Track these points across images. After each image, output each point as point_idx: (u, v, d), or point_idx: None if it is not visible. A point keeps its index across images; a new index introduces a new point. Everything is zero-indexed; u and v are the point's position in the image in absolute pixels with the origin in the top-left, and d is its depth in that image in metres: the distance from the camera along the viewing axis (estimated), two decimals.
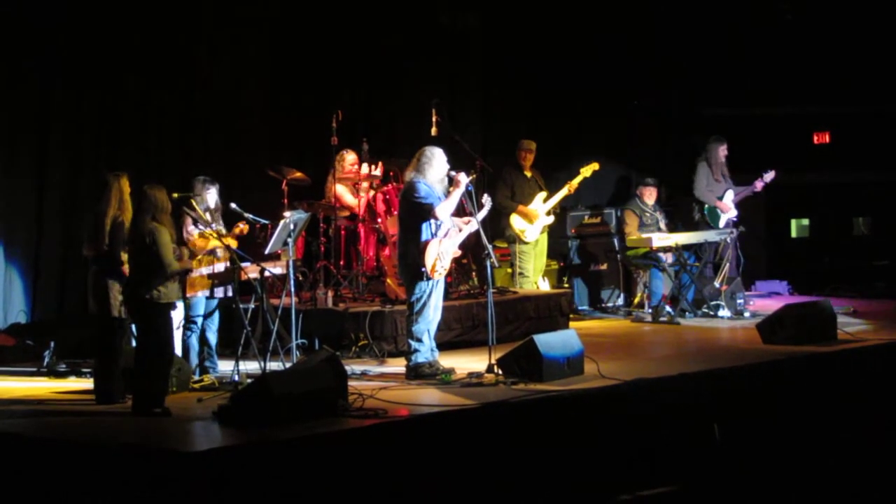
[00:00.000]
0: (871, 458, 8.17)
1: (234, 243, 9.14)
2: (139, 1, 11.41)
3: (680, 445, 7.97)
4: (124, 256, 8.24)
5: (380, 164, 11.46)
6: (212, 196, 9.31)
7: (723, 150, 13.07)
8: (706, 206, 13.08)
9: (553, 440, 7.69)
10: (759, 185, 13.00)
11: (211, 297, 9.10)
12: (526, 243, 12.42)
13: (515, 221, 12.40)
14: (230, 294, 9.08)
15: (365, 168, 11.34)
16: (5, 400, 8.48)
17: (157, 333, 7.93)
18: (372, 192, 11.39)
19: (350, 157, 11.50)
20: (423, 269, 8.95)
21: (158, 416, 7.68)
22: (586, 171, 12.54)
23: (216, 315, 9.29)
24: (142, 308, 7.95)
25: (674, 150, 14.60)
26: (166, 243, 7.91)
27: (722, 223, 12.98)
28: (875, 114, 15.29)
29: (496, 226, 12.57)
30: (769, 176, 12.91)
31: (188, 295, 8.87)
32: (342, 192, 11.40)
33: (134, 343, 8.35)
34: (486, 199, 9.46)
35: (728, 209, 13.03)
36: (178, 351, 8.81)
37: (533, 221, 12.39)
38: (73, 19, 11.04)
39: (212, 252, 9.07)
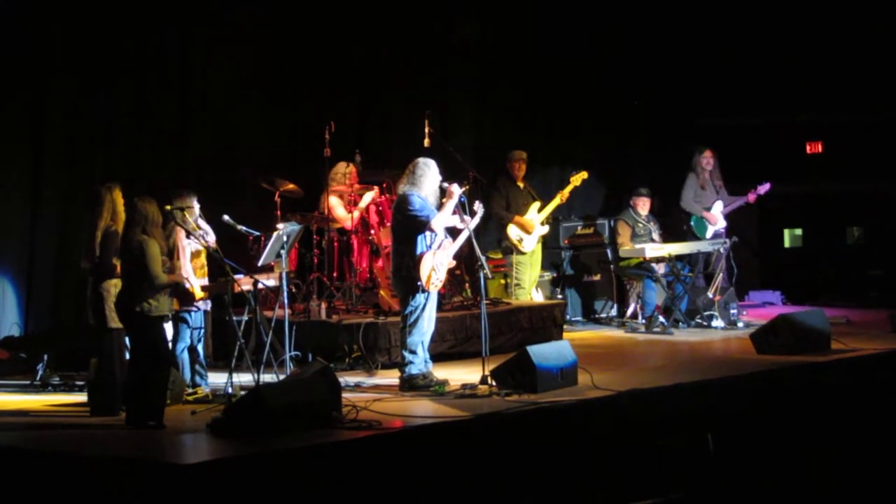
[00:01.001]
0: (865, 466, 8.16)
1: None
2: (135, 13, 11.40)
3: (674, 456, 7.96)
4: (117, 262, 8.24)
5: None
6: (195, 208, 9.26)
7: (706, 160, 13.03)
8: (692, 216, 13.07)
9: (547, 451, 7.68)
10: (752, 196, 12.96)
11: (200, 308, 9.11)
12: (523, 254, 12.39)
13: (513, 232, 12.35)
14: (208, 308, 9.10)
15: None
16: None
17: (149, 346, 7.92)
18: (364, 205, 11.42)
19: (345, 168, 11.50)
20: (419, 282, 8.95)
21: (152, 429, 7.67)
22: (576, 179, 12.51)
23: (203, 327, 9.27)
24: (132, 321, 7.94)
25: (667, 160, 14.59)
26: (155, 256, 7.89)
27: (709, 234, 12.93)
28: (868, 123, 15.30)
29: (490, 236, 12.54)
30: (763, 188, 12.86)
31: (180, 309, 8.85)
32: (335, 204, 11.40)
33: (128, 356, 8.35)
34: (479, 206, 9.42)
35: (716, 220, 12.98)
36: None
37: (530, 232, 12.37)
38: (67, 31, 11.03)
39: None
